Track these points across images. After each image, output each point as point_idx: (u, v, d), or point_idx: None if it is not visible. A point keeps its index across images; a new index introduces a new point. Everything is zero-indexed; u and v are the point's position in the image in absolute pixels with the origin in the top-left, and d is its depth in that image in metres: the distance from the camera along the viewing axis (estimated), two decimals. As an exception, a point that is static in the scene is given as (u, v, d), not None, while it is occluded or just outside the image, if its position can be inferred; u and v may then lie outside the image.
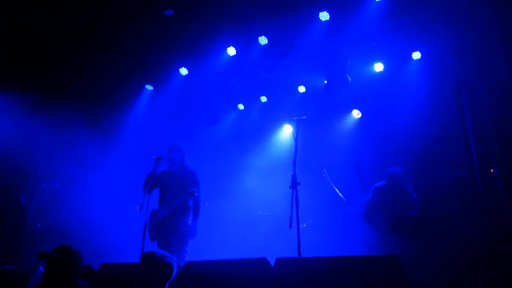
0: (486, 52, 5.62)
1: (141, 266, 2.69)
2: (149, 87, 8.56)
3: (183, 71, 8.06)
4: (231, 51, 7.43)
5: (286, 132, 8.67)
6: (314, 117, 5.17)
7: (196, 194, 4.88)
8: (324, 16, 6.59)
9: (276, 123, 8.80)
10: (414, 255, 4.80)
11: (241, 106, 9.08)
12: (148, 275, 2.65)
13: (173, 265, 2.73)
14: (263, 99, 8.74)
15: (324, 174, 6.96)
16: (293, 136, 4.51)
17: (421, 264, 4.69)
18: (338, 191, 6.88)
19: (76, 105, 7.33)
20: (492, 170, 5.17)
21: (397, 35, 6.87)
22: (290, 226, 3.94)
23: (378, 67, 7.35)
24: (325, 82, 7.54)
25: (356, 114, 8.18)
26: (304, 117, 4.53)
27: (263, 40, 7.19)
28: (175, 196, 5.02)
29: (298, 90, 8.28)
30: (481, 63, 5.61)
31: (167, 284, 2.71)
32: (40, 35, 6.75)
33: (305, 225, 6.86)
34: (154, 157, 5.17)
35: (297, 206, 4.06)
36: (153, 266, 2.67)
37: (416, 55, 7.01)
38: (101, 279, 3.72)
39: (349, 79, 7.12)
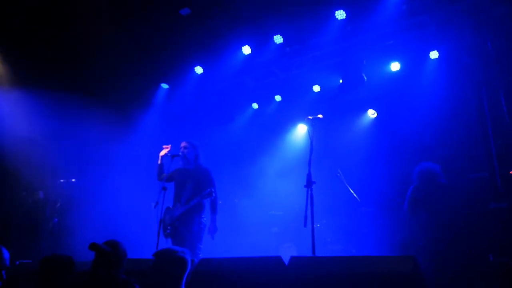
0: (507, 51, 5.50)
1: (154, 264, 2.71)
2: (164, 86, 8.63)
3: (198, 69, 8.10)
4: (246, 50, 7.43)
5: (301, 131, 8.63)
6: (329, 116, 5.12)
7: (214, 194, 4.90)
8: (340, 14, 6.54)
9: (290, 123, 8.77)
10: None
11: (255, 105, 9.08)
12: (162, 271, 2.66)
13: (186, 258, 2.74)
14: (278, 98, 8.73)
15: (338, 174, 6.91)
16: (309, 135, 4.49)
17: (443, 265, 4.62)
18: (352, 191, 6.82)
19: (93, 103, 7.43)
20: (511, 172, 5.06)
21: (414, 34, 6.79)
22: (305, 225, 3.92)
23: (395, 66, 7.26)
24: (341, 81, 7.48)
25: (371, 114, 8.10)
26: (320, 116, 4.49)
27: (278, 39, 7.17)
28: (190, 195, 5.04)
29: (313, 90, 8.24)
30: (501, 62, 5.49)
31: (184, 278, 2.72)
32: (56, 32, 6.85)
33: (318, 225, 6.82)
34: (169, 154, 5.21)
35: (312, 205, 4.04)
36: (165, 262, 2.68)
37: (434, 55, 6.90)
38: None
39: (365, 78, 7.05)
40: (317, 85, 8.19)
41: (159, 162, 5.45)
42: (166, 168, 5.30)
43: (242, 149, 8.94)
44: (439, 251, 4.71)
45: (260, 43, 7.41)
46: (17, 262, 5.56)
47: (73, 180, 6.98)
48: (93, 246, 3.00)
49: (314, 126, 4.53)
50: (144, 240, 5.93)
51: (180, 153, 5.29)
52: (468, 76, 6.27)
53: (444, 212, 4.86)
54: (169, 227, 5.04)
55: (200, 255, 4.89)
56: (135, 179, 7.32)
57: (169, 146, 5.43)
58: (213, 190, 4.89)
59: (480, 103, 5.60)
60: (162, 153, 5.41)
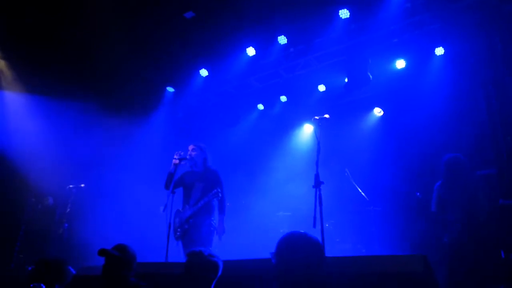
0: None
1: (188, 265, 2.72)
2: (170, 89, 8.67)
3: (203, 72, 8.13)
4: (251, 51, 7.45)
5: (307, 131, 8.63)
6: (336, 116, 5.11)
7: (220, 194, 4.91)
8: (344, 13, 6.53)
9: (296, 123, 8.77)
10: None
11: (261, 106, 9.08)
12: (195, 274, 2.68)
13: (219, 264, 2.77)
14: (283, 98, 8.73)
15: (346, 174, 6.89)
16: (315, 135, 4.48)
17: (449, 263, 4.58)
18: (360, 190, 6.80)
19: (100, 108, 7.48)
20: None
21: (419, 32, 6.75)
22: (314, 226, 3.91)
23: (400, 64, 7.23)
24: (346, 80, 7.46)
25: (377, 112, 8.08)
26: (327, 116, 4.49)
27: (282, 39, 7.17)
28: (199, 196, 5.05)
29: (318, 89, 8.23)
30: (509, 58, 5.44)
31: (213, 284, 2.74)
32: (61, 36, 6.91)
33: (327, 225, 6.81)
34: (177, 157, 5.22)
35: (321, 205, 4.03)
36: (200, 265, 2.70)
37: (439, 51, 6.87)
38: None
39: (371, 76, 7.03)
40: (322, 85, 8.18)
41: (172, 171, 5.20)
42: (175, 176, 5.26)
43: (249, 151, 8.95)
44: (463, 248, 4.64)
45: (265, 44, 7.43)
46: (29, 268, 5.62)
47: (82, 185, 7.03)
48: (102, 252, 3.03)
49: (321, 126, 4.52)
50: (154, 244, 5.96)
51: (187, 156, 5.30)
52: (475, 72, 6.22)
53: (468, 208, 4.76)
54: (179, 230, 5.06)
55: (210, 257, 4.89)
56: (144, 182, 7.37)
57: (181, 159, 5.21)
58: (219, 190, 4.90)
59: (489, 99, 5.54)
60: (176, 162, 5.19)
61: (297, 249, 1.98)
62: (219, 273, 2.79)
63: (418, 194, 6.04)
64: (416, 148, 7.06)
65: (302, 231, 2.15)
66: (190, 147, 5.39)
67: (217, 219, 5.10)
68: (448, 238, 4.80)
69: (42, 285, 3.09)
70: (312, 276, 1.92)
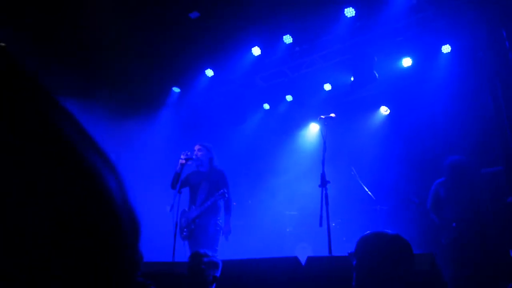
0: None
1: (191, 265, 2.76)
2: (176, 89, 8.69)
3: (209, 72, 8.14)
4: (256, 51, 7.45)
5: (313, 130, 8.61)
6: (341, 115, 5.10)
7: (227, 195, 4.93)
8: (349, 12, 6.51)
9: (302, 122, 8.75)
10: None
11: (266, 106, 9.08)
12: (199, 272, 2.73)
13: (219, 263, 2.81)
14: (289, 98, 8.71)
15: (352, 173, 6.87)
16: (321, 134, 4.48)
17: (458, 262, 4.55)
18: (366, 189, 6.77)
19: (104, 108, 7.52)
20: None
21: (425, 29, 6.71)
22: (320, 225, 3.91)
23: (406, 62, 7.19)
24: (352, 79, 7.43)
25: (384, 111, 8.03)
26: (333, 115, 4.48)
27: (287, 39, 7.17)
28: (205, 197, 5.07)
29: (324, 88, 8.21)
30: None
31: (214, 284, 2.78)
32: (65, 36, 6.94)
33: (333, 224, 6.79)
34: (183, 157, 5.23)
35: (327, 204, 4.03)
36: (203, 264, 2.75)
37: (446, 49, 6.82)
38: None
39: (377, 75, 7.00)
40: (328, 84, 8.15)
41: (179, 171, 5.20)
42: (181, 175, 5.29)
43: (254, 150, 8.95)
44: (463, 249, 4.61)
45: (270, 44, 7.42)
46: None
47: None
48: None
49: (327, 125, 4.52)
50: (160, 243, 5.99)
51: (193, 156, 5.31)
52: (482, 68, 6.16)
53: (471, 208, 4.74)
54: (185, 230, 5.08)
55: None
56: (150, 182, 7.39)
57: (187, 159, 5.23)
58: (225, 191, 4.92)
59: (496, 96, 5.50)
60: (182, 162, 5.20)
61: (377, 249, 1.90)
62: (220, 271, 2.85)
63: (415, 200, 5.98)
64: (422, 147, 7.02)
65: (383, 230, 2.05)
66: (196, 147, 5.41)
67: (223, 219, 5.12)
68: (445, 238, 4.78)
69: None
70: (396, 277, 1.83)
